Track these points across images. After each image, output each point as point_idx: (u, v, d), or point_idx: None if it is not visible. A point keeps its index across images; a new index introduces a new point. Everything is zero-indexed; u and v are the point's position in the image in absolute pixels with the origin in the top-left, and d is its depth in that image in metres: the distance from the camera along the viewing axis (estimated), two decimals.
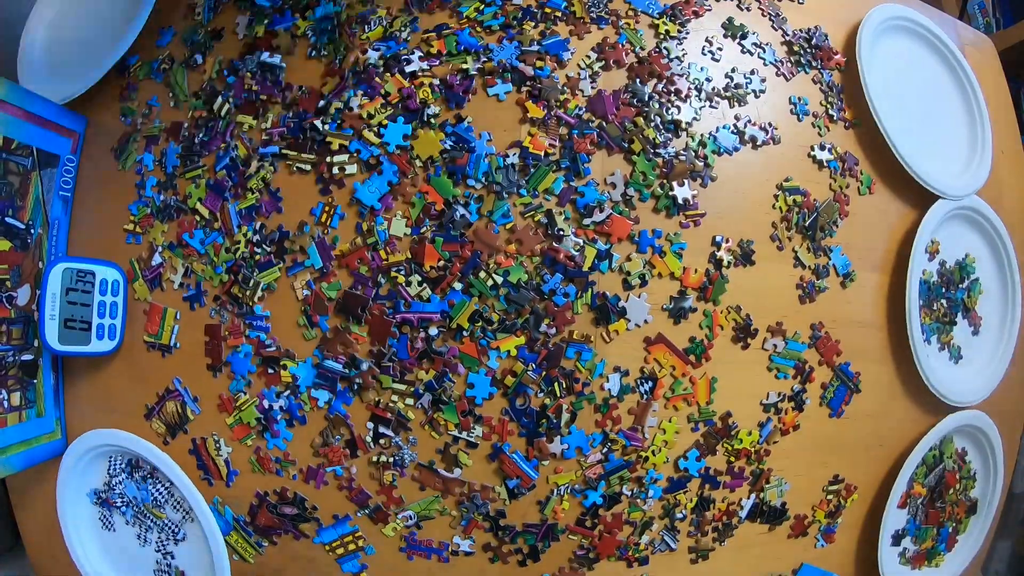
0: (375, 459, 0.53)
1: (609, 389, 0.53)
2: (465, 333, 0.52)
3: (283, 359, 0.54)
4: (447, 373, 0.52)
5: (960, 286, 0.67)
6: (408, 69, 0.55)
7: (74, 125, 0.60)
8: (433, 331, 0.52)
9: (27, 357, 0.56)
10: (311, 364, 0.54)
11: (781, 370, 0.58)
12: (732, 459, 0.56)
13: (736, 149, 0.57)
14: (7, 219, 0.55)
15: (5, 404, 0.54)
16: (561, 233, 0.53)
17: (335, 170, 0.54)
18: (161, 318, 0.56)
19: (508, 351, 0.52)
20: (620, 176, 0.54)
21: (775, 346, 0.57)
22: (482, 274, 0.52)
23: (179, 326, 0.56)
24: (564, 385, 0.53)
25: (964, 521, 0.68)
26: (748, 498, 0.57)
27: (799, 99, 0.61)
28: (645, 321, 0.54)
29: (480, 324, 0.52)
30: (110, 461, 0.59)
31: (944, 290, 0.65)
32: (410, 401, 0.53)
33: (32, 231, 0.57)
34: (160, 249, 0.57)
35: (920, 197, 0.64)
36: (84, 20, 0.66)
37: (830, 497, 0.61)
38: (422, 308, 0.52)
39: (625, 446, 0.54)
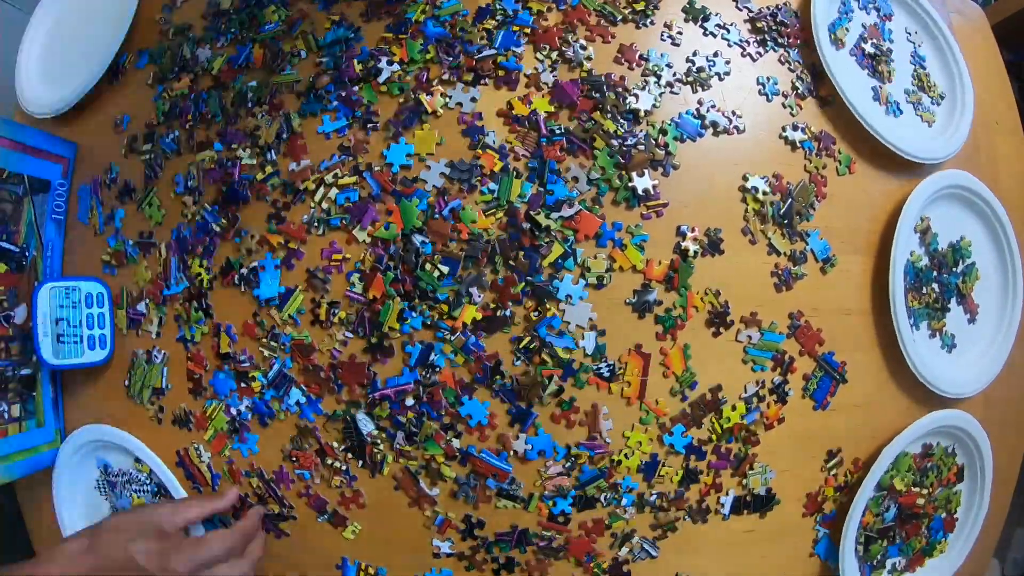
0: (329, 462, 0.52)
1: (584, 347, 0.50)
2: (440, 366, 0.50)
3: (252, 371, 0.53)
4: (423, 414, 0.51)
5: (954, 270, 0.60)
6: (382, 79, 0.53)
7: (64, 151, 0.61)
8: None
9: (26, 371, 0.57)
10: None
11: (757, 362, 0.53)
12: (715, 437, 0.52)
13: (700, 135, 0.53)
14: (2, 243, 0.56)
15: (6, 415, 0.55)
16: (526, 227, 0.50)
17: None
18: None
19: (468, 322, 0.50)
20: (581, 171, 0.51)
21: (749, 337, 0.53)
22: (428, 266, 0.50)
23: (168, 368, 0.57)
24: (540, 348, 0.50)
25: (955, 498, 0.61)
26: (727, 495, 0.53)
27: (767, 79, 0.56)
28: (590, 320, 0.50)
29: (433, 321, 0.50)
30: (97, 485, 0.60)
31: (935, 273, 0.59)
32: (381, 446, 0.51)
33: (27, 254, 0.58)
34: (146, 301, 0.57)
35: (906, 175, 0.58)
36: (76, 35, 0.66)
37: (834, 472, 0.55)
38: (396, 382, 0.51)
39: (591, 455, 0.50)
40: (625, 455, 0.51)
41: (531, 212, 0.50)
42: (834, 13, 0.59)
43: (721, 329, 0.52)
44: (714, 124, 0.53)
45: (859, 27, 0.60)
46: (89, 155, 0.62)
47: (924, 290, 0.58)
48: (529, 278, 0.50)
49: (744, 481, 0.53)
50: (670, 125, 0.52)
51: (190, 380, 0.55)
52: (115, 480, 0.59)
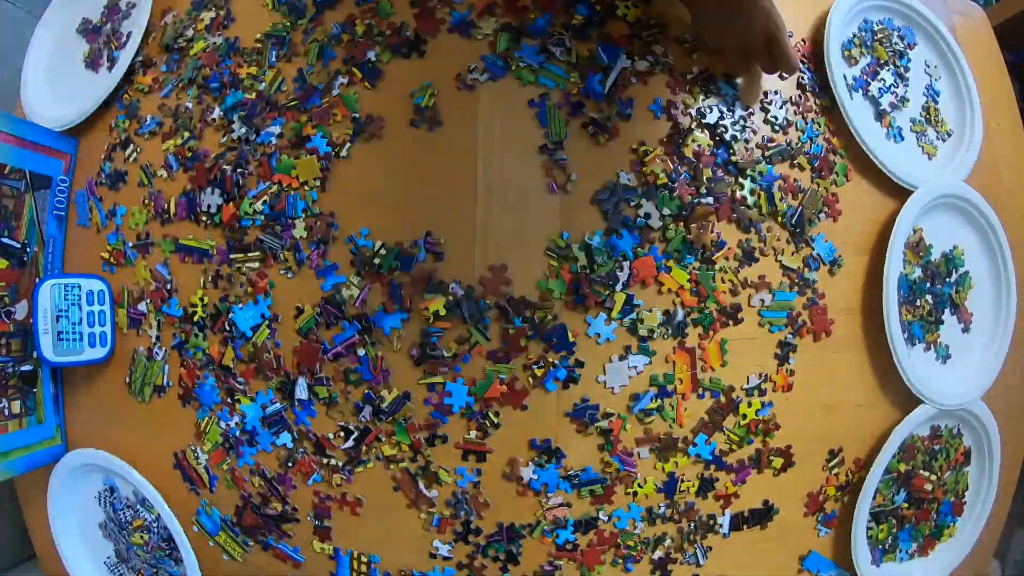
0: (329, 462, 0.52)
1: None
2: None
3: (238, 394, 0.53)
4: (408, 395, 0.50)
5: (947, 280, 0.59)
6: None
7: (65, 147, 0.60)
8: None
9: (27, 368, 0.56)
10: (259, 407, 0.52)
11: (774, 323, 0.52)
12: (734, 447, 0.52)
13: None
14: (3, 239, 0.55)
15: (6, 412, 0.54)
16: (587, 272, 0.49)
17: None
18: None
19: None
20: (654, 209, 0.50)
21: (762, 301, 0.52)
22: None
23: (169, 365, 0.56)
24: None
25: (963, 479, 0.60)
26: (723, 515, 0.53)
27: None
28: (623, 386, 0.50)
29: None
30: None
31: (928, 284, 0.58)
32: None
33: (28, 250, 0.57)
34: (147, 302, 0.56)
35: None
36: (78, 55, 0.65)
37: (836, 472, 0.55)
38: (342, 337, 0.51)
39: (619, 470, 0.50)
40: (639, 485, 0.51)
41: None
42: (851, 32, 0.59)
43: (730, 323, 0.52)
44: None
45: (871, 57, 0.59)
46: (89, 154, 0.61)
47: (918, 303, 0.58)
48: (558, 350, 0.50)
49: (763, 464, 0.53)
50: (755, 182, 0.53)
51: (180, 387, 0.55)
52: (122, 517, 0.59)
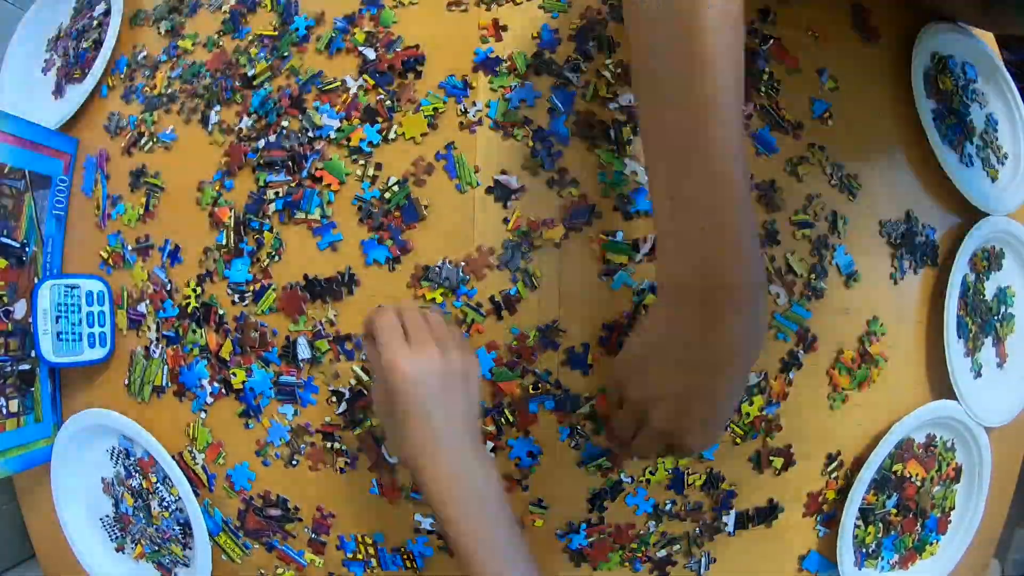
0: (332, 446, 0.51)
1: None
2: None
3: (227, 374, 0.52)
4: None
5: (1001, 309, 0.61)
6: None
7: (65, 147, 0.60)
8: None
9: (25, 367, 0.56)
10: (269, 379, 0.52)
11: (782, 330, 0.51)
12: (738, 440, 0.51)
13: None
14: (2, 239, 0.55)
15: (4, 411, 0.53)
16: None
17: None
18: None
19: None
20: None
21: (778, 296, 0.51)
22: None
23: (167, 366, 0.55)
24: None
25: (950, 496, 0.60)
26: (728, 514, 0.52)
27: None
28: None
29: None
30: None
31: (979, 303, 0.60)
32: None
33: (27, 249, 0.57)
34: (147, 303, 0.56)
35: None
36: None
37: (835, 476, 0.55)
38: None
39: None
40: (650, 472, 0.50)
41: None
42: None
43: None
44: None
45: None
46: (89, 153, 0.61)
47: (969, 308, 0.59)
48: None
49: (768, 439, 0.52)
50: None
51: (174, 383, 0.55)
52: (135, 484, 0.58)
